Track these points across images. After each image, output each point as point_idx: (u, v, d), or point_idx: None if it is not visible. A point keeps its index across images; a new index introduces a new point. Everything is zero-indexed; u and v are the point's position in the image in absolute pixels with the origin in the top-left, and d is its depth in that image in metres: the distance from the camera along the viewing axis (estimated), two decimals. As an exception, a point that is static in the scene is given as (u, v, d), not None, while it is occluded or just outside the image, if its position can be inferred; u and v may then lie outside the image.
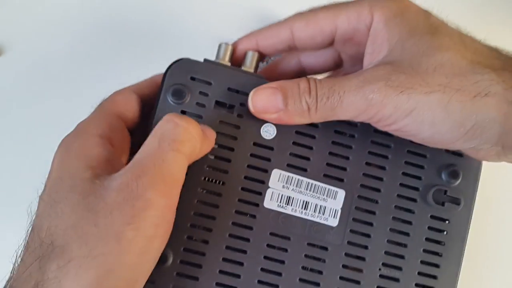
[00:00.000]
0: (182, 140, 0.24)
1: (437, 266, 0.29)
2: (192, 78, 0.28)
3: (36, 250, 0.22)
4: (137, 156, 0.24)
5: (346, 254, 0.28)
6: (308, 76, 0.27)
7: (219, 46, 0.29)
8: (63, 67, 0.41)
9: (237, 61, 0.30)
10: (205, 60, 0.28)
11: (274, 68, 0.33)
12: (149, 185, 0.22)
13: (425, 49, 0.25)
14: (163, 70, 0.29)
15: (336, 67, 0.32)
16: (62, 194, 0.23)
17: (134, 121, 0.29)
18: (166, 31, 0.42)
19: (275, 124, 0.28)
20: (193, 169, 0.27)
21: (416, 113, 0.24)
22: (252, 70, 0.29)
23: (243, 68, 0.29)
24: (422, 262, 0.29)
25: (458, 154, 0.29)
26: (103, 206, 0.22)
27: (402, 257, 0.29)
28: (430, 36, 0.25)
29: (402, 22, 0.26)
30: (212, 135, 0.27)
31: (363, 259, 0.28)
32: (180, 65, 0.28)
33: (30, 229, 0.23)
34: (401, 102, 0.24)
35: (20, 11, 0.42)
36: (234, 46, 0.30)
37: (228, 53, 0.29)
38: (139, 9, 0.42)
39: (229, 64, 0.29)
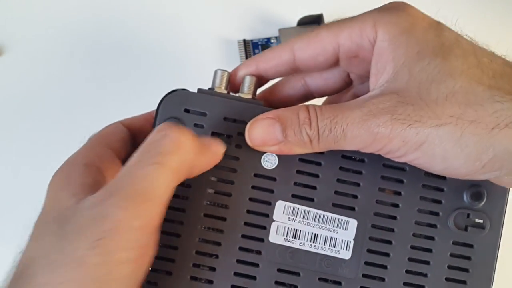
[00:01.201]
0: (167, 152, 0.22)
1: None
2: (186, 110, 0.27)
3: (12, 282, 0.21)
4: (118, 174, 0.22)
5: None
6: (308, 103, 0.25)
7: (215, 73, 0.28)
8: (63, 67, 0.41)
9: (235, 88, 0.28)
10: (199, 90, 0.27)
11: (276, 91, 0.31)
12: (120, 204, 0.20)
13: (434, 75, 0.22)
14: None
15: (347, 86, 0.30)
16: (45, 225, 0.22)
17: (126, 152, 0.27)
18: (167, 31, 0.42)
19: (276, 153, 0.27)
20: (192, 205, 0.26)
21: (426, 147, 0.22)
22: (250, 96, 0.27)
23: (240, 94, 0.27)
24: None
25: (481, 172, 0.27)
26: (73, 228, 0.21)
27: (422, 287, 0.26)
28: (441, 60, 0.23)
29: (409, 41, 0.23)
30: (218, 148, 0.25)
31: None
32: (173, 98, 0.27)
33: (16, 262, 0.23)
34: (409, 136, 0.22)
35: (21, 11, 0.42)
36: (233, 72, 0.29)
37: (225, 79, 0.28)
38: (139, 9, 0.42)
39: (225, 91, 0.27)
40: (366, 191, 0.27)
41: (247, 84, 0.28)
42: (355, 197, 0.27)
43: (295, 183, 0.27)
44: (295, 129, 0.24)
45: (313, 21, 0.40)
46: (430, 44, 0.23)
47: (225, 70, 0.28)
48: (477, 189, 0.26)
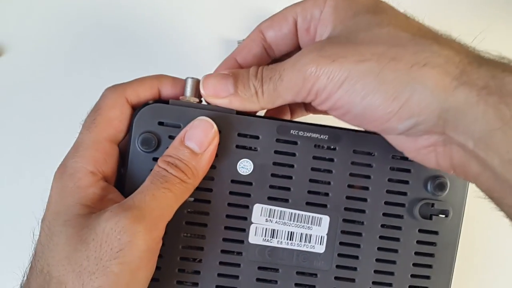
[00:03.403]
0: (176, 182, 0.25)
1: (428, 277, 0.29)
2: (160, 123, 0.27)
3: (38, 278, 0.24)
4: (133, 193, 0.25)
5: (336, 278, 0.28)
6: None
7: (186, 81, 0.28)
8: (64, 68, 0.41)
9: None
10: (171, 102, 0.27)
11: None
12: (136, 219, 0.23)
13: (364, 25, 0.24)
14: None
15: None
16: (58, 228, 0.24)
17: (127, 133, 0.28)
18: (167, 31, 0.42)
19: (251, 159, 0.28)
20: (174, 217, 0.27)
21: (347, 82, 0.23)
22: (196, 100, 0.28)
23: (186, 97, 0.28)
24: (412, 275, 0.29)
25: (443, 164, 0.28)
26: (94, 237, 0.23)
27: (392, 273, 0.29)
28: (372, 15, 0.24)
29: (350, 5, 0.25)
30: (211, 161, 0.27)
31: (353, 280, 0.28)
32: (146, 112, 0.27)
33: (33, 252, 0.25)
34: (334, 72, 0.23)
35: (21, 12, 0.42)
36: (216, 72, 0.29)
37: (194, 88, 0.28)
38: (140, 9, 0.42)
39: (197, 100, 0.28)
40: (337, 188, 0.28)
41: (189, 87, 0.28)
42: (327, 194, 0.28)
43: (270, 186, 0.28)
44: (244, 83, 0.26)
45: None
46: (367, 6, 0.25)
47: (195, 78, 0.28)
48: (440, 180, 0.28)
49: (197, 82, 0.28)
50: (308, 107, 0.33)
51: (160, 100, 0.28)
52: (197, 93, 0.28)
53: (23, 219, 0.28)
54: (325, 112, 0.26)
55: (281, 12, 0.28)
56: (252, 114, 0.28)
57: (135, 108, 0.28)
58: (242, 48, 0.30)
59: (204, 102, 0.28)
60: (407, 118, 0.23)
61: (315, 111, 0.32)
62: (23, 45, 0.41)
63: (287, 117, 0.33)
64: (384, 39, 0.23)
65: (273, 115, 0.32)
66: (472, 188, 0.29)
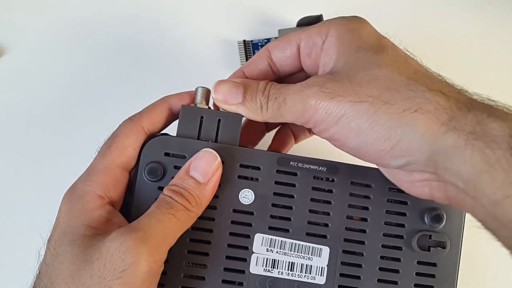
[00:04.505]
0: (180, 209, 0.26)
1: None
2: (166, 154, 0.29)
3: None
4: (139, 218, 0.26)
5: None
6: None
7: (196, 90, 0.30)
8: (65, 68, 0.41)
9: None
10: (178, 134, 0.29)
11: None
12: (141, 240, 0.24)
13: (365, 63, 0.25)
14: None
15: None
16: (63, 247, 0.25)
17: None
18: (167, 32, 0.42)
19: (252, 189, 0.29)
20: (176, 243, 0.27)
21: (343, 120, 0.25)
22: (205, 105, 0.29)
23: (197, 104, 0.29)
24: None
25: (439, 196, 0.29)
26: (98, 257, 0.24)
27: None
28: (373, 53, 0.26)
29: (353, 38, 0.27)
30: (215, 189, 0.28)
31: None
32: (153, 143, 0.29)
33: (37, 272, 0.26)
34: (331, 108, 0.25)
35: (22, 12, 0.42)
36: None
37: (204, 96, 0.30)
38: (140, 10, 0.42)
39: (207, 107, 0.29)
40: (336, 219, 0.29)
41: (199, 95, 0.30)
42: (327, 225, 0.29)
43: (271, 216, 0.29)
44: (252, 95, 0.27)
45: (312, 22, 0.40)
46: (370, 42, 0.26)
47: (205, 87, 0.30)
48: (437, 212, 0.29)
49: (206, 91, 0.30)
50: (310, 130, 0.34)
51: (167, 133, 0.30)
52: (207, 101, 0.30)
53: (29, 238, 0.28)
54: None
55: (288, 35, 0.30)
56: (252, 148, 0.30)
57: (153, 134, 0.29)
58: (250, 63, 0.32)
59: (212, 107, 0.30)
60: (399, 157, 0.25)
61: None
62: (23, 45, 0.41)
63: (291, 142, 0.35)
64: (381, 82, 0.25)
65: (278, 140, 0.34)
66: (469, 218, 0.29)
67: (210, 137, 0.29)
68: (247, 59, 0.40)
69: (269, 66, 0.31)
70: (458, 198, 0.24)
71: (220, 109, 0.29)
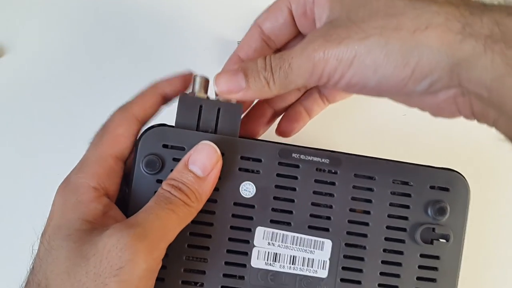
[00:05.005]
0: (180, 204, 0.25)
1: None
2: (165, 146, 0.28)
3: None
4: (137, 213, 0.25)
5: None
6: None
7: (194, 79, 0.29)
8: (65, 68, 0.41)
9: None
10: (176, 124, 0.28)
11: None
12: (139, 237, 0.23)
13: (361, 1, 0.24)
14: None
15: None
16: (58, 242, 0.24)
17: (131, 151, 0.29)
18: (167, 32, 0.42)
19: (253, 182, 0.28)
20: (176, 239, 0.27)
21: (357, 60, 0.24)
22: (203, 94, 0.28)
23: (196, 93, 0.28)
24: None
25: (444, 189, 0.29)
26: (95, 253, 0.23)
27: None
28: None
29: None
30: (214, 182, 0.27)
31: None
32: (151, 135, 0.28)
33: (31, 267, 0.25)
34: (341, 53, 0.24)
35: (22, 12, 0.42)
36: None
37: (203, 85, 0.29)
38: (139, 9, 0.42)
39: (205, 96, 0.28)
40: (338, 212, 0.28)
41: (198, 84, 0.28)
42: (329, 218, 0.28)
43: (272, 209, 0.28)
44: (254, 75, 0.26)
45: None
46: None
47: (204, 76, 0.29)
48: (441, 204, 0.29)
49: (205, 80, 0.29)
50: (323, 97, 0.33)
51: (165, 124, 0.29)
52: (205, 90, 0.29)
53: (23, 233, 0.28)
54: (342, 96, 0.27)
55: (274, 3, 0.29)
56: (255, 138, 0.29)
57: (144, 122, 0.28)
58: (243, 44, 0.31)
59: (212, 98, 0.28)
60: (422, 79, 0.24)
61: (333, 98, 0.33)
62: (23, 45, 0.41)
63: (304, 118, 0.33)
64: (382, 11, 0.24)
65: (287, 117, 0.33)
66: (472, 211, 0.29)
67: (209, 127, 0.28)
68: None
69: (264, 42, 0.30)
70: (483, 112, 0.24)
71: (220, 99, 0.28)
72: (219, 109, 0.28)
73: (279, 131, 0.33)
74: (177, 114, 0.28)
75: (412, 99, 0.26)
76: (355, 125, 0.40)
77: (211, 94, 0.29)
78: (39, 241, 0.25)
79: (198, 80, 0.28)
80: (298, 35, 0.30)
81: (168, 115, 0.30)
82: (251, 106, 0.33)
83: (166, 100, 0.30)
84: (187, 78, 0.30)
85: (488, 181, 0.39)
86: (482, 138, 0.39)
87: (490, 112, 0.23)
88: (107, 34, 0.41)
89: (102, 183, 0.26)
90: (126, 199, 0.27)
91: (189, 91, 0.29)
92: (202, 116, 0.28)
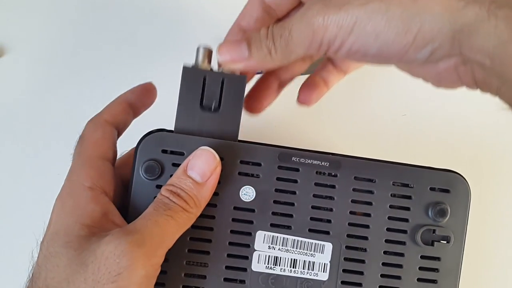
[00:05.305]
0: (178, 210, 0.25)
1: None
2: (164, 151, 0.28)
3: None
4: (136, 219, 0.25)
5: None
6: None
7: (198, 50, 0.28)
8: (65, 68, 0.41)
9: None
10: (176, 129, 0.28)
11: None
12: (136, 243, 0.23)
13: None
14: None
15: None
16: (57, 249, 0.24)
17: (116, 152, 0.29)
18: (167, 32, 0.42)
19: (253, 186, 0.28)
20: (176, 242, 0.27)
21: (357, 27, 0.23)
22: (207, 66, 0.28)
23: (199, 65, 0.28)
24: None
25: (444, 190, 0.29)
26: (93, 260, 0.23)
27: None
28: None
29: None
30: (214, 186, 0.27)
31: None
32: (150, 140, 0.28)
33: (31, 275, 0.25)
34: (342, 19, 0.23)
35: (22, 12, 0.42)
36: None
37: (206, 55, 0.28)
38: (139, 9, 0.42)
39: (209, 67, 0.28)
40: (339, 214, 0.28)
41: (201, 55, 0.28)
42: (329, 221, 0.28)
43: (273, 213, 0.28)
44: (257, 45, 0.26)
45: None
46: None
47: (208, 47, 0.28)
48: (441, 206, 0.29)
49: (208, 51, 0.28)
50: (338, 67, 0.33)
51: (163, 128, 0.29)
52: (208, 61, 0.28)
53: (23, 233, 0.28)
54: (356, 65, 0.28)
55: None
56: (255, 142, 0.29)
57: (118, 128, 0.29)
58: (244, 14, 0.31)
59: (216, 70, 0.28)
60: (423, 47, 0.23)
61: (346, 68, 0.33)
62: (23, 46, 0.41)
63: (321, 88, 0.33)
64: None
65: (307, 86, 0.33)
66: (473, 213, 0.29)
67: (214, 99, 0.28)
68: None
69: (265, 12, 0.30)
70: (485, 80, 0.23)
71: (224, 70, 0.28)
72: (223, 81, 0.28)
73: (300, 100, 0.33)
74: (180, 87, 0.28)
75: (413, 68, 0.26)
76: (355, 126, 0.40)
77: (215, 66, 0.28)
78: (38, 248, 0.25)
79: (201, 51, 0.28)
80: (300, 4, 0.30)
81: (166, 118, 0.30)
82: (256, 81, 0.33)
83: (133, 108, 0.30)
84: (148, 87, 0.31)
85: (489, 181, 0.39)
86: (482, 139, 0.39)
87: (492, 80, 0.23)
88: (106, 35, 0.41)
89: (97, 181, 0.26)
90: (126, 205, 0.27)
91: (192, 63, 0.28)
92: (206, 88, 0.28)
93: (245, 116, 0.41)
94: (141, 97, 0.30)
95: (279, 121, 0.40)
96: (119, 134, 0.30)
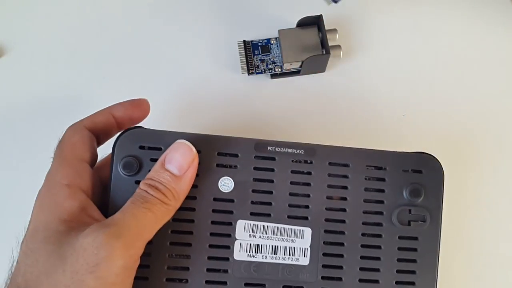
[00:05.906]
0: (157, 203, 0.26)
1: (412, 283, 0.29)
2: (141, 147, 0.28)
3: None
4: (115, 214, 0.26)
5: None
6: None
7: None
8: (65, 68, 0.41)
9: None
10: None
11: None
12: (114, 235, 0.24)
13: None
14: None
15: None
16: (37, 244, 0.25)
17: (96, 157, 0.30)
18: (166, 32, 0.42)
19: (231, 176, 0.29)
20: (158, 235, 0.27)
21: None
22: None
23: None
24: (397, 282, 0.29)
25: (417, 171, 0.30)
26: (72, 253, 0.24)
27: (376, 281, 0.29)
28: None
29: None
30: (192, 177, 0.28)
31: None
32: (127, 137, 0.28)
33: (10, 273, 0.26)
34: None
35: (21, 12, 0.42)
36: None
37: None
38: (139, 10, 0.42)
39: None
40: (316, 200, 0.29)
41: None
42: (307, 207, 0.29)
43: (252, 202, 0.29)
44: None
45: (312, 22, 0.40)
46: None
47: None
48: (415, 186, 0.29)
49: None
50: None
51: (140, 126, 0.29)
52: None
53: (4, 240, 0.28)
54: None
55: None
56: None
57: (97, 135, 0.30)
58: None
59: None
60: None
61: None
62: (23, 45, 0.41)
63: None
64: None
65: None
66: (448, 191, 0.30)
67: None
68: (247, 59, 0.40)
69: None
70: None
71: None
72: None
73: None
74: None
75: None
76: (355, 126, 0.40)
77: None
78: (19, 247, 0.26)
79: None
80: None
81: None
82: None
83: (117, 120, 0.30)
84: (140, 103, 0.31)
85: (489, 181, 0.39)
86: (483, 138, 0.40)
87: None
88: (106, 35, 0.42)
89: (74, 180, 0.27)
90: (106, 202, 0.28)
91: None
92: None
93: (242, 116, 0.42)
94: (129, 112, 0.30)
95: (278, 121, 0.40)
96: (99, 143, 0.30)
